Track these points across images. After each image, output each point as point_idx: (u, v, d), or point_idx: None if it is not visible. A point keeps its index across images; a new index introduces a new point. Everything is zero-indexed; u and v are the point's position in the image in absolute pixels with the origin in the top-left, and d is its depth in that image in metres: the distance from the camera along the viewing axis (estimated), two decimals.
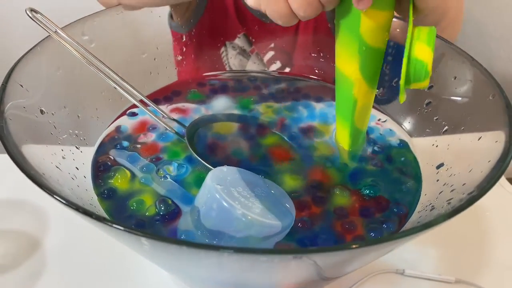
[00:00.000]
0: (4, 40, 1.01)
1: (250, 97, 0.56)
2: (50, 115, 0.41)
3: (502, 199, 0.59)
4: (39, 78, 0.42)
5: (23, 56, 0.41)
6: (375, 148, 0.48)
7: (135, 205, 0.40)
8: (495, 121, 0.38)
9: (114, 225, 0.26)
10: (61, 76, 0.44)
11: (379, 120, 0.53)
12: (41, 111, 0.40)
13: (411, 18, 0.36)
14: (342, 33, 0.38)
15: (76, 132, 0.44)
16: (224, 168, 0.41)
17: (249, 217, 0.36)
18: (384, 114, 0.53)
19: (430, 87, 0.48)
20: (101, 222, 0.26)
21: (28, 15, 0.42)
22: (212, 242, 0.37)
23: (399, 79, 0.36)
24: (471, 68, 0.43)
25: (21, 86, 0.39)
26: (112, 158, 0.45)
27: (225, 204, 0.36)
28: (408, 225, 0.39)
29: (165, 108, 0.53)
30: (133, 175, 0.43)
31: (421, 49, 0.35)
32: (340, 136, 0.46)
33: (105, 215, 0.38)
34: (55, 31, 0.42)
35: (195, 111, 0.53)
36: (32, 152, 0.34)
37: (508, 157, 0.33)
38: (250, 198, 0.38)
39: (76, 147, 0.43)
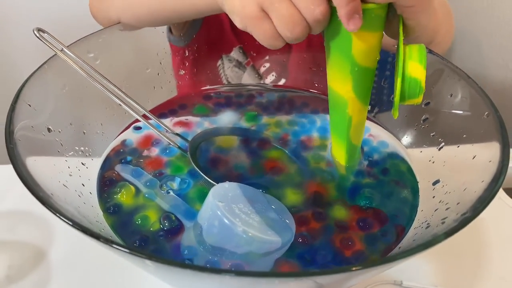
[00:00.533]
0: (13, 59, 1.02)
1: (254, 112, 0.57)
2: (57, 132, 0.43)
3: (500, 210, 0.60)
4: (46, 96, 0.43)
5: (30, 76, 0.42)
6: (373, 162, 0.49)
7: (139, 221, 0.41)
8: (489, 140, 0.39)
9: (120, 248, 0.27)
10: (67, 93, 0.46)
11: (371, 135, 0.54)
12: (48, 129, 0.42)
13: (401, 38, 0.37)
14: (333, 55, 0.39)
15: (82, 148, 0.45)
16: (226, 185, 0.42)
17: (249, 234, 0.37)
18: (383, 127, 0.55)
19: (427, 103, 0.49)
20: (108, 245, 0.28)
21: (36, 35, 0.43)
22: (214, 258, 0.38)
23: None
24: (467, 86, 0.44)
25: (29, 105, 0.40)
26: (117, 173, 0.46)
27: (226, 221, 0.38)
28: (405, 241, 0.40)
29: (170, 121, 0.54)
30: (138, 190, 0.44)
31: (414, 68, 0.36)
32: (336, 152, 0.47)
33: (110, 231, 0.39)
34: (61, 50, 0.44)
35: (199, 124, 0.54)
36: (40, 172, 0.35)
37: (501, 178, 0.34)
38: (251, 215, 0.39)
39: (82, 163, 0.44)
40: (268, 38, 0.36)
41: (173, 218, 0.42)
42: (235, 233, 0.37)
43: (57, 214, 0.29)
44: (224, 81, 0.63)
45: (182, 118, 0.55)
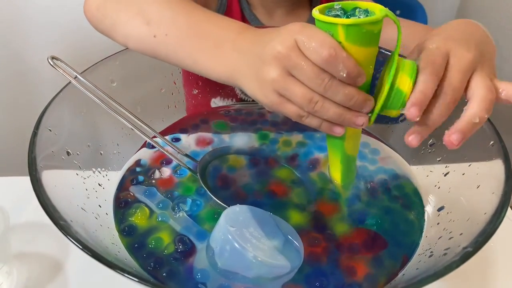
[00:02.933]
0: (33, 85, 1.04)
1: (267, 131, 0.58)
2: (76, 155, 0.44)
3: (507, 230, 0.61)
4: (65, 121, 0.45)
5: (51, 101, 0.44)
6: (379, 184, 0.50)
7: (153, 243, 0.43)
8: (493, 171, 0.40)
9: (134, 279, 0.29)
10: (84, 116, 0.48)
11: (381, 158, 0.55)
12: (68, 153, 0.44)
13: (398, 49, 0.38)
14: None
15: (99, 169, 0.47)
16: (237, 208, 0.43)
17: (259, 259, 0.39)
18: (391, 148, 0.56)
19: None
20: (129, 276, 0.29)
21: (50, 63, 0.44)
22: (226, 283, 0.40)
23: None
24: None
25: (50, 130, 0.42)
26: (132, 194, 0.48)
27: (237, 246, 0.39)
28: (408, 268, 0.41)
29: (187, 137, 0.56)
30: (151, 212, 0.46)
31: (403, 80, 0.37)
32: (333, 168, 0.48)
33: (126, 253, 0.41)
34: (75, 77, 0.45)
35: (214, 144, 0.56)
36: (60, 197, 0.37)
37: (502, 213, 0.35)
38: (261, 239, 0.41)
39: (99, 184, 0.46)
40: (295, 117, 0.39)
41: (187, 240, 0.43)
42: (246, 258, 0.39)
43: (79, 245, 0.31)
44: (240, 96, 0.63)
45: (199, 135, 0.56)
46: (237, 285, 0.39)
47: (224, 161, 0.53)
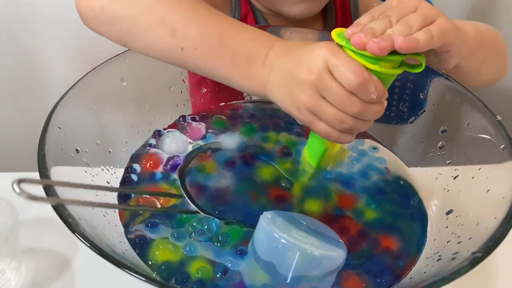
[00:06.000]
0: (44, 82, 1.04)
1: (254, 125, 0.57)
2: (85, 153, 0.45)
3: None
4: (75, 118, 0.45)
5: (61, 99, 0.44)
6: (387, 187, 0.50)
7: (199, 274, 0.41)
8: (503, 175, 0.40)
9: (148, 280, 0.29)
10: (93, 114, 0.48)
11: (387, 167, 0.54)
12: (77, 150, 0.44)
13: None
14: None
15: (108, 167, 0.47)
16: (268, 215, 0.42)
17: (325, 254, 0.39)
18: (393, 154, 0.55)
19: (444, 131, 0.49)
20: (135, 275, 0.29)
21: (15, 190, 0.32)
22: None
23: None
24: (485, 117, 0.45)
25: (59, 128, 0.42)
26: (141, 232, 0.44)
27: (305, 249, 0.39)
28: (415, 270, 0.41)
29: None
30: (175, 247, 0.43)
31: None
32: (311, 150, 0.48)
33: (133, 251, 0.41)
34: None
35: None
36: (69, 195, 0.37)
37: None
38: (307, 237, 0.41)
39: (107, 182, 0.46)
40: (325, 135, 0.40)
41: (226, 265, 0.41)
42: (314, 257, 0.39)
43: (87, 243, 0.31)
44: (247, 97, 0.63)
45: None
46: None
47: (202, 167, 0.51)
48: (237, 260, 0.42)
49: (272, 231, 0.40)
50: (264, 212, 0.42)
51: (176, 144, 0.53)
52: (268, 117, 0.60)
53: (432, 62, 0.44)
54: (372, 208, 0.47)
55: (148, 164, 0.50)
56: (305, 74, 0.38)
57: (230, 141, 0.55)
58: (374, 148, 0.55)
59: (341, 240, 0.43)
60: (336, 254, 0.40)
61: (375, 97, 0.37)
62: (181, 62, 0.45)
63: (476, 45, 0.48)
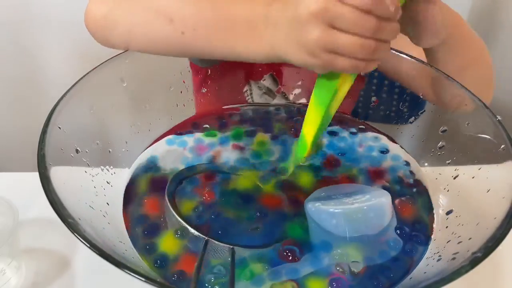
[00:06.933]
0: (44, 82, 1.04)
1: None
2: (85, 153, 0.45)
3: None
4: (75, 118, 0.45)
5: (61, 99, 0.44)
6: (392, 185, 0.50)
7: None
8: (504, 175, 0.40)
9: (148, 281, 0.29)
10: (93, 114, 0.48)
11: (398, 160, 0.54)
12: (77, 150, 0.44)
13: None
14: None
15: (108, 167, 0.47)
16: (310, 202, 0.45)
17: (372, 201, 0.43)
18: (404, 149, 0.55)
19: (444, 131, 0.49)
20: (135, 276, 0.29)
21: None
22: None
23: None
24: (484, 116, 0.45)
25: (59, 128, 0.42)
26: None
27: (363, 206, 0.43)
28: (416, 272, 0.41)
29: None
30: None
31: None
32: (308, 127, 0.44)
33: (134, 251, 0.41)
34: None
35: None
36: (69, 195, 0.37)
37: None
38: (349, 200, 0.44)
39: (107, 182, 0.46)
40: (352, 69, 0.37)
41: None
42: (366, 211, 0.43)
43: (86, 244, 0.31)
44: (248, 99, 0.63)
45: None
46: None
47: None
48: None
49: (326, 209, 0.43)
50: (305, 202, 0.45)
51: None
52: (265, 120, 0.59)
53: (408, 36, 0.44)
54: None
55: None
56: (308, 11, 0.35)
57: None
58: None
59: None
60: (379, 200, 0.43)
61: (393, 9, 0.34)
62: (185, 48, 0.45)
63: (463, 42, 0.48)
